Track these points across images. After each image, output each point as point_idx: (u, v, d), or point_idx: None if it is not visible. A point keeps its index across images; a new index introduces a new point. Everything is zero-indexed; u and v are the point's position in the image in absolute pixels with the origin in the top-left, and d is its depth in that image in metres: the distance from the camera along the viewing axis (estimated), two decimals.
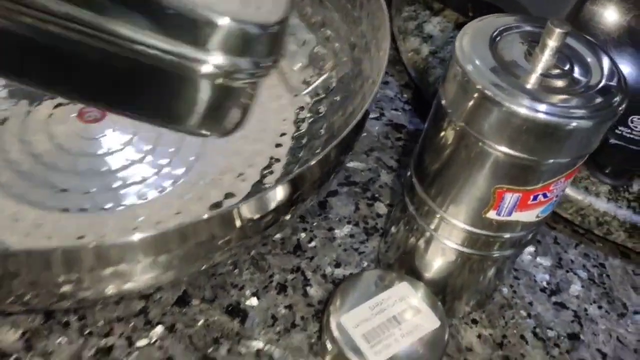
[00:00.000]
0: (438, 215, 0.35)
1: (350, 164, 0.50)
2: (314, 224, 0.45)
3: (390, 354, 0.35)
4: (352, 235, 0.45)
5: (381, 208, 0.47)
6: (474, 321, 0.42)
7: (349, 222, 0.46)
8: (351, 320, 0.36)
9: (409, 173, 0.38)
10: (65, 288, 0.30)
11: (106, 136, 0.47)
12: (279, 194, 0.33)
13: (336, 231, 0.45)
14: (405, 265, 0.40)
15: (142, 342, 0.37)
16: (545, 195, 0.32)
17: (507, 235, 0.35)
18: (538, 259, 0.46)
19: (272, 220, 0.35)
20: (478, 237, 0.35)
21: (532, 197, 0.32)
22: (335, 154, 0.36)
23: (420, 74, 0.56)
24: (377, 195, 0.48)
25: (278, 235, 0.44)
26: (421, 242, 0.38)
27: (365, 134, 0.53)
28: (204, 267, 0.35)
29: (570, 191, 0.47)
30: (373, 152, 0.52)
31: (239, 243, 0.35)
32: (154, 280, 0.34)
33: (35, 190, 0.43)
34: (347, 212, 0.47)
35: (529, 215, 0.33)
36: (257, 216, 0.33)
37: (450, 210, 0.35)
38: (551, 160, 0.30)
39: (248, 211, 0.32)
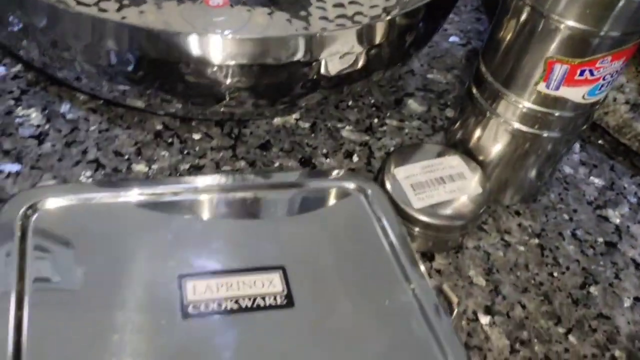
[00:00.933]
0: (497, 92, 0.40)
1: (430, 75, 0.55)
2: (387, 114, 0.51)
3: (432, 202, 0.40)
4: (419, 129, 0.50)
5: (451, 113, 0.52)
6: (517, 212, 0.46)
7: (419, 119, 0.51)
8: (403, 172, 0.41)
9: (477, 60, 0.42)
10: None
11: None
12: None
13: (406, 122, 0.51)
14: (464, 147, 0.45)
15: (227, 168, 0.44)
16: (591, 73, 0.36)
17: (556, 113, 0.39)
18: (591, 178, 0.49)
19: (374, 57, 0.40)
20: (530, 113, 0.39)
21: (579, 71, 0.36)
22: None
23: None
24: (449, 103, 0.53)
25: (353, 117, 0.50)
26: (481, 124, 0.43)
27: (449, 55, 0.58)
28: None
29: (628, 115, 0.50)
30: (453, 70, 0.56)
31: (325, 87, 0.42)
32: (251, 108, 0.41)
33: None
34: (419, 111, 0.52)
35: (576, 93, 0.37)
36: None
37: (508, 86, 0.39)
38: (602, 32, 0.34)
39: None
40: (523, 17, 0.37)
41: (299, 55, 0.39)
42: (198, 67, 0.37)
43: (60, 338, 0.28)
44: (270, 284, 0.32)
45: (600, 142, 0.53)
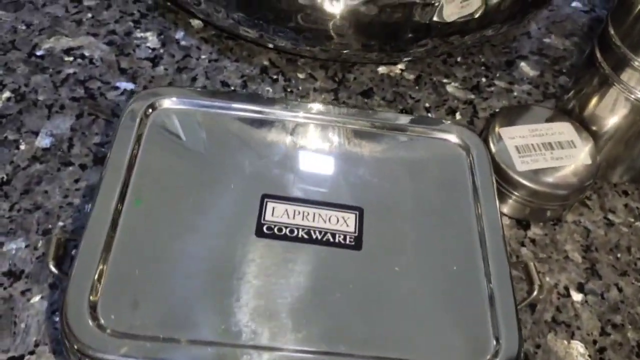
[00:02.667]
0: (624, 57, 0.37)
1: (547, 40, 0.52)
2: (497, 75, 0.49)
3: (536, 167, 0.38)
4: (529, 93, 0.48)
5: (564, 81, 0.49)
6: (625, 192, 0.43)
7: (529, 83, 0.49)
8: (509, 132, 0.40)
9: (604, 23, 0.40)
10: None
11: None
12: None
13: (515, 86, 0.48)
14: (576, 115, 0.42)
15: None
16: None
17: None
18: None
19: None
20: None
21: None
22: None
23: None
24: (564, 70, 0.50)
25: (460, 74, 0.48)
26: (599, 92, 0.40)
27: (570, 21, 0.54)
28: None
29: None
30: (573, 37, 0.53)
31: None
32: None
33: None
34: (531, 75, 0.49)
35: None
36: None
37: (636, 50, 0.36)
38: None
39: None
40: None
41: None
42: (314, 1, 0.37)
43: (148, 230, 0.30)
44: (345, 223, 0.32)
45: None
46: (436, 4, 0.37)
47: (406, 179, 0.35)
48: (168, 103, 0.35)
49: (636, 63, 0.37)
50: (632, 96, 0.38)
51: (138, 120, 0.34)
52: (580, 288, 0.38)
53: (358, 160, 0.35)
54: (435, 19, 0.39)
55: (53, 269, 0.31)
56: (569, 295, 0.37)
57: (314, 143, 0.35)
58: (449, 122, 0.38)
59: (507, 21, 0.42)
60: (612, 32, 0.38)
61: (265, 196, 0.32)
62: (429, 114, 0.45)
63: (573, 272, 0.38)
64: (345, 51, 0.41)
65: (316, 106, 0.37)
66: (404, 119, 0.38)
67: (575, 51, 0.52)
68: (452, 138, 0.37)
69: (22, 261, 0.34)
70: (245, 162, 0.33)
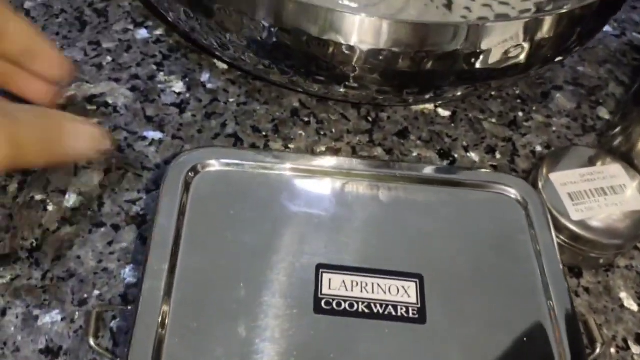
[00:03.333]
0: None
1: (581, 69, 0.51)
2: (533, 108, 0.47)
3: (591, 216, 0.37)
4: (568, 127, 0.46)
5: (603, 112, 0.48)
6: None
7: (567, 116, 0.47)
8: (560, 178, 0.38)
9: None
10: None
11: None
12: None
13: (553, 119, 0.47)
14: (623, 155, 0.41)
15: (363, 154, 0.43)
16: None
17: None
18: None
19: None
20: None
21: None
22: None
23: None
24: (601, 101, 0.49)
25: (496, 109, 0.47)
26: None
27: (602, 47, 0.53)
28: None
29: None
30: (606, 64, 0.52)
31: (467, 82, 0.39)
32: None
33: None
34: (568, 107, 0.48)
35: None
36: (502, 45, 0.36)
37: None
38: None
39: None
40: None
41: (459, 45, 0.36)
42: (348, 48, 0.35)
43: (200, 309, 0.28)
44: (405, 293, 0.30)
45: None
46: (481, 51, 0.35)
47: (463, 239, 0.33)
48: (210, 165, 0.33)
49: None
50: None
51: (180, 189, 0.32)
52: (638, 340, 0.36)
53: (411, 220, 0.33)
54: (478, 66, 0.37)
55: (95, 346, 0.29)
56: (628, 348, 0.36)
57: (366, 203, 0.34)
58: (502, 173, 0.36)
59: (548, 61, 0.41)
60: None
61: (320, 266, 0.30)
62: (468, 153, 0.44)
63: (630, 322, 0.37)
64: (381, 97, 0.40)
65: (364, 162, 0.35)
66: (454, 172, 0.36)
67: (610, 79, 0.50)
68: (508, 191, 0.35)
69: (59, 336, 0.32)
70: (296, 228, 0.32)
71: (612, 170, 0.39)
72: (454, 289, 0.31)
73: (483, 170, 0.40)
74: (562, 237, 0.37)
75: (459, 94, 0.41)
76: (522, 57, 0.38)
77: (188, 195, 0.32)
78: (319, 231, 0.32)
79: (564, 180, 0.38)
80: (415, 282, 0.30)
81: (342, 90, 0.39)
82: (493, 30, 0.36)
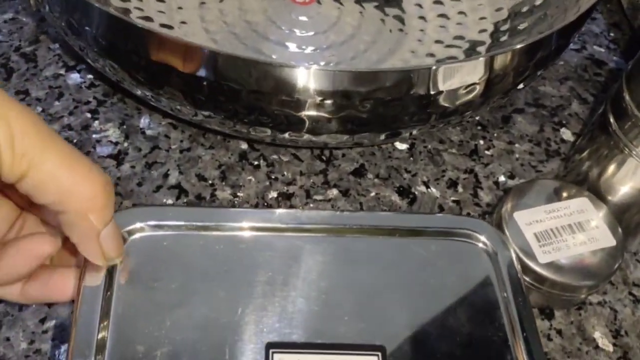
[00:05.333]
0: None
1: (542, 88, 0.49)
2: (494, 135, 0.45)
3: (559, 257, 0.34)
4: (531, 153, 0.44)
5: (567, 135, 0.46)
6: None
7: (530, 141, 0.45)
8: (524, 217, 0.36)
9: (617, 85, 0.36)
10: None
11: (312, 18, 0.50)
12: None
13: (516, 145, 0.45)
14: (589, 183, 0.39)
15: (318, 197, 0.40)
16: None
17: None
18: None
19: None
20: None
21: None
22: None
23: (635, 10, 0.53)
24: (564, 122, 0.47)
25: (456, 138, 0.45)
26: (614, 160, 0.37)
27: (562, 63, 0.51)
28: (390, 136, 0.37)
29: None
30: (567, 82, 0.50)
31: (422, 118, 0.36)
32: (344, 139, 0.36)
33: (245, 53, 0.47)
34: (530, 130, 0.46)
35: None
36: (454, 86, 0.34)
37: None
38: None
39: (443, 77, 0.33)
40: None
41: (413, 89, 0.34)
42: (294, 99, 0.33)
43: None
44: None
45: None
46: (437, 94, 0.33)
47: (427, 297, 0.30)
48: (140, 230, 0.30)
49: None
50: None
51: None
52: None
53: (370, 279, 0.30)
54: (432, 108, 0.35)
55: None
56: None
57: (317, 263, 0.31)
58: (465, 217, 0.34)
59: (510, 90, 0.39)
60: (627, 98, 0.35)
61: (270, 346, 0.27)
62: (429, 189, 0.41)
63: None
64: (333, 142, 0.37)
65: (315, 214, 0.33)
66: (414, 220, 0.34)
67: (572, 98, 0.49)
68: (472, 237, 0.32)
69: None
70: (240, 299, 0.29)
71: (579, 205, 0.37)
72: (421, 357, 0.28)
73: (446, 215, 0.38)
74: (530, 280, 0.35)
75: (415, 132, 0.39)
76: (478, 93, 0.35)
77: (115, 271, 0.29)
78: (266, 301, 0.29)
79: (529, 219, 0.36)
80: (378, 355, 0.28)
81: (287, 136, 0.36)
82: (444, 72, 0.34)
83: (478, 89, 0.34)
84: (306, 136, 0.36)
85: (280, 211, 0.33)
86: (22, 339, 0.32)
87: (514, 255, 0.32)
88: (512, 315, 0.31)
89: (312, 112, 0.33)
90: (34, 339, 0.32)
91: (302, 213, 0.33)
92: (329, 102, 0.32)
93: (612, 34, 0.55)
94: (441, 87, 0.33)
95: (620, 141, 0.36)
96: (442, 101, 0.34)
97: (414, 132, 0.38)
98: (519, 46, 0.34)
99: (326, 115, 0.33)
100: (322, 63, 0.47)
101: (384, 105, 0.33)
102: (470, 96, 0.35)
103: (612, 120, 0.37)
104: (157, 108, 0.42)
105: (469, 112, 0.37)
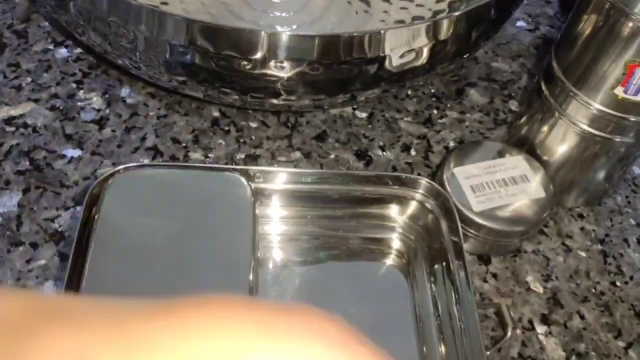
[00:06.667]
0: (569, 91, 0.38)
1: (495, 64, 0.53)
2: (447, 105, 0.49)
3: (491, 206, 0.38)
4: (480, 122, 0.48)
5: (515, 105, 0.50)
6: (580, 215, 0.44)
7: (480, 111, 0.49)
8: (463, 172, 0.40)
9: (548, 57, 0.40)
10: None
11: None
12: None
13: (467, 115, 0.49)
14: (527, 145, 0.43)
15: (282, 159, 0.44)
16: None
17: (632, 119, 0.36)
18: None
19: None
20: (604, 116, 0.37)
21: None
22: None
23: None
24: (513, 94, 0.51)
25: (412, 108, 0.49)
26: (548, 123, 0.41)
27: (515, 42, 0.55)
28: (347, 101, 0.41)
29: None
30: (519, 58, 0.54)
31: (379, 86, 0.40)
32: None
33: None
34: (481, 102, 0.50)
35: None
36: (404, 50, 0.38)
37: (582, 87, 0.37)
38: None
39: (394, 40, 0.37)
40: (604, 14, 0.35)
41: (363, 53, 0.38)
42: (258, 62, 0.37)
43: None
44: None
45: None
46: (383, 57, 0.37)
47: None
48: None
49: (580, 98, 0.38)
50: (579, 129, 0.39)
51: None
52: (543, 320, 0.38)
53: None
54: (385, 67, 0.38)
55: None
56: (533, 329, 0.38)
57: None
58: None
59: (455, 58, 0.43)
60: (555, 66, 0.39)
61: None
62: (384, 152, 0.45)
63: (536, 304, 0.39)
64: (295, 105, 0.41)
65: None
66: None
67: (522, 73, 0.53)
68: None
69: None
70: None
71: (515, 162, 0.41)
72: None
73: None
74: (467, 228, 0.39)
75: (372, 96, 0.43)
76: (424, 58, 0.39)
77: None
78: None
79: (467, 174, 0.40)
80: None
81: (250, 98, 0.40)
82: (391, 36, 0.37)
83: (423, 54, 0.38)
84: (269, 99, 0.40)
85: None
86: (9, 277, 0.36)
87: (452, 204, 0.37)
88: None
89: (273, 73, 0.37)
90: (21, 277, 0.36)
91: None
92: (286, 64, 0.36)
93: (565, 16, 0.59)
94: (387, 51, 0.37)
95: (551, 105, 0.40)
96: (390, 65, 0.38)
97: (369, 95, 0.42)
98: (457, 14, 0.38)
99: (284, 76, 0.37)
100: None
101: (337, 68, 0.37)
102: (417, 61, 0.39)
103: (543, 87, 0.41)
104: (138, 79, 0.46)
105: (418, 77, 0.41)
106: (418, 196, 0.38)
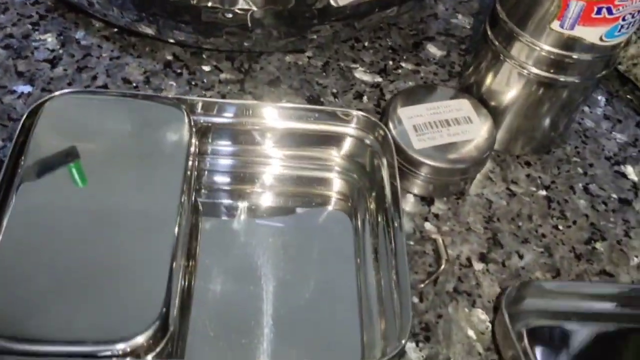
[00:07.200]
0: (512, 32, 0.38)
1: (454, 20, 0.53)
2: (404, 57, 0.49)
3: (432, 144, 0.39)
4: (435, 73, 0.49)
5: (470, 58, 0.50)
6: (527, 163, 0.44)
7: (436, 63, 0.50)
8: (407, 112, 0.40)
9: (492, 1, 0.40)
10: None
11: None
12: None
13: (422, 67, 0.49)
14: (476, 92, 0.43)
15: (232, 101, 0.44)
16: (610, 12, 0.34)
17: (574, 56, 0.37)
18: (614, 133, 0.47)
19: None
20: (545, 55, 0.37)
21: (595, 8, 0.34)
22: None
23: None
24: (470, 49, 0.51)
25: (368, 59, 0.49)
26: (494, 68, 0.41)
27: (477, 0, 0.55)
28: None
29: None
30: (480, 16, 0.54)
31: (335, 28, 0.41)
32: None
33: None
34: (438, 56, 0.50)
35: (593, 34, 0.35)
36: None
37: (524, 27, 0.37)
38: None
39: None
40: None
41: None
42: None
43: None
44: None
45: (629, 97, 0.50)
46: None
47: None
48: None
49: (523, 38, 0.38)
50: (524, 71, 0.39)
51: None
52: (482, 258, 0.39)
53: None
54: (329, 3, 0.39)
55: None
56: (470, 265, 0.38)
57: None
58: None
59: (403, 1, 0.43)
60: (499, 8, 0.39)
61: None
62: (336, 99, 0.46)
63: (475, 243, 0.39)
64: (245, 43, 0.41)
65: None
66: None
67: (480, 29, 0.53)
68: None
69: None
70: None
71: (460, 105, 0.41)
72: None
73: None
74: (410, 167, 0.39)
75: (324, 35, 0.43)
76: None
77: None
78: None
79: (411, 114, 0.40)
80: None
81: (203, 38, 0.41)
82: None
83: None
84: (217, 37, 0.40)
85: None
86: None
87: (389, 137, 0.37)
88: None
89: (219, 6, 0.37)
90: None
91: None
92: None
93: None
94: None
95: (496, 48, 0.40)
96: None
97: (320, 35, 0.42)
98: None
99: (233, 8, 0.38)
100: None
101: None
102: None
103: (489, 31, 0.41)
104: (92, 23, 0.47)
105: (365, 18, 0.41)
106: (358, 133, 0.38)
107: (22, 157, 0.32)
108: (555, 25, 0.35)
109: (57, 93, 0.34)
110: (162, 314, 0.28)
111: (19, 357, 0.26)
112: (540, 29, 0.37)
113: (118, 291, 0.29)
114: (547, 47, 0.37)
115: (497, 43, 0.40)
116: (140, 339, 0.27)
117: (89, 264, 0.29)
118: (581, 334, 0.36)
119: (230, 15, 0.39)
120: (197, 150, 0.35)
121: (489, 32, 0.41)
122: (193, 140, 0.35)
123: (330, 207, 0.39)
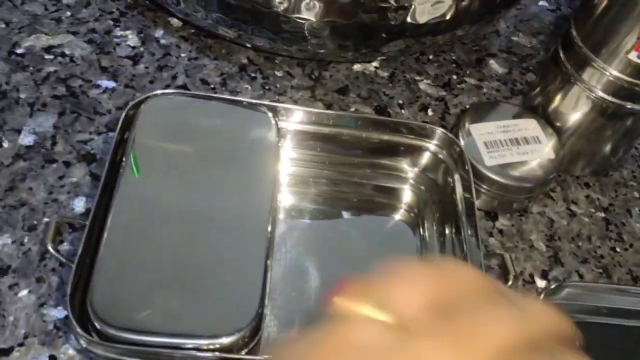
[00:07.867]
0: (585, 57, 0.39)
1: (515, 38, 0.54)
2: (467, 72, 0.51)
3: (503, 162, 0.40)
4: (497, 90, 0.50)
5: (531, 78, 0.51)
6: (587, 184, 0.45)
7: (498, 80, 0.51)
8: (478, 129, 0.42)
9: (567, 25, 0.42)
10: None
11: None
12: None
13: (485, 82, 0.50)
14: (541, 111, 0.44)
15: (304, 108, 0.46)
16: None
17: None
18: None
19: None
20: (616, 82, 0.39)
21: None
22: None
23: None
24: (531, 68, 0.52)
25: (432, 72, 0.50)
26: (563, 90, 0.42)
27: (537, 20, 0.57)
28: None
29: None
30: (540, 35, 0.55)
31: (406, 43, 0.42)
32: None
33: None
34: (500, 72, 0.51)
35: None
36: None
37: (598, 53, 0.39)
38: None
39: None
40: None
41: (387, 1, 0.39)
42: (290, 2, 0.38)
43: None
44: None
45: None
46: (408, 7, 0.39)
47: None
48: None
49: (596, 64, 0.39)
50: (593, 95, 0.40)
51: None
52: (544, 275, 0.40)
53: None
54: (408, 20, 0.40)
55: (52, 250, 0.32)
56: (533, 282, 0.40)
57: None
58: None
59: (476, 22, 0.44)
60: (574, 33, 0.41)
61: None
62: (403, 110, 0.47)
63: (538, 260, 0.41)
64: (321, 51, 0.43)
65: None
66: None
67: (541, 49, 0.54)
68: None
69: (9, 257, 0.35)
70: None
71: (528, 124, 0.43)
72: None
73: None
74: (478, 182, 0.40)
75: (396, 49, 0.44)
76: (448, 15, 0.41)
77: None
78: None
79: (482, 131, 0.41)
80: None
81: (282, 45, 0.42)
82: None
83: (446, 7, 0.40)
84: (296, 43, 0.42)
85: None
86: (42, 190, 0.38)
87: (465, 154, 0.38)
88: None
89: (301, 16, 0.39)
90: (53, 191, 0.38)
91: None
92: (315, 3, 0.38)
93: None
94: (412, 1, 0.39)
95: (567, 71, 0.42)
96: (414, 17, 0.40)
97: (391, 48, 0.43)
98: None
99: (313, 19, 0.39)
100: None
101: (363, 13, 0.38)
102: (439, 14, 0.40)
103: (561, 54, 0.42)
104: (171, 22, 0.48)
105: (440, 34, 0.43)
106: (432, 147, 0.40)
107: (124, 153, 0.34)
108: (633, 55, 0.37)
109: (158, 92, 0.36)
110: (258, 313, 0.30)
111: (127, 346, 0.28)
112: (615, 58, 0.38)
113: (217, 288, 0.30)
114: (619, 75, 0.38)
115: (568, 66, 0.41)
116: (237, 336, 0.29)
117: (190, 260, 0.31)
118: None
119: (307, 26, 0.41)
120: (280, 154, 0.37)
121: (562, 55, 0.42)
122: (280, 145, 0.37)
123: (397, 217, 0.41)
